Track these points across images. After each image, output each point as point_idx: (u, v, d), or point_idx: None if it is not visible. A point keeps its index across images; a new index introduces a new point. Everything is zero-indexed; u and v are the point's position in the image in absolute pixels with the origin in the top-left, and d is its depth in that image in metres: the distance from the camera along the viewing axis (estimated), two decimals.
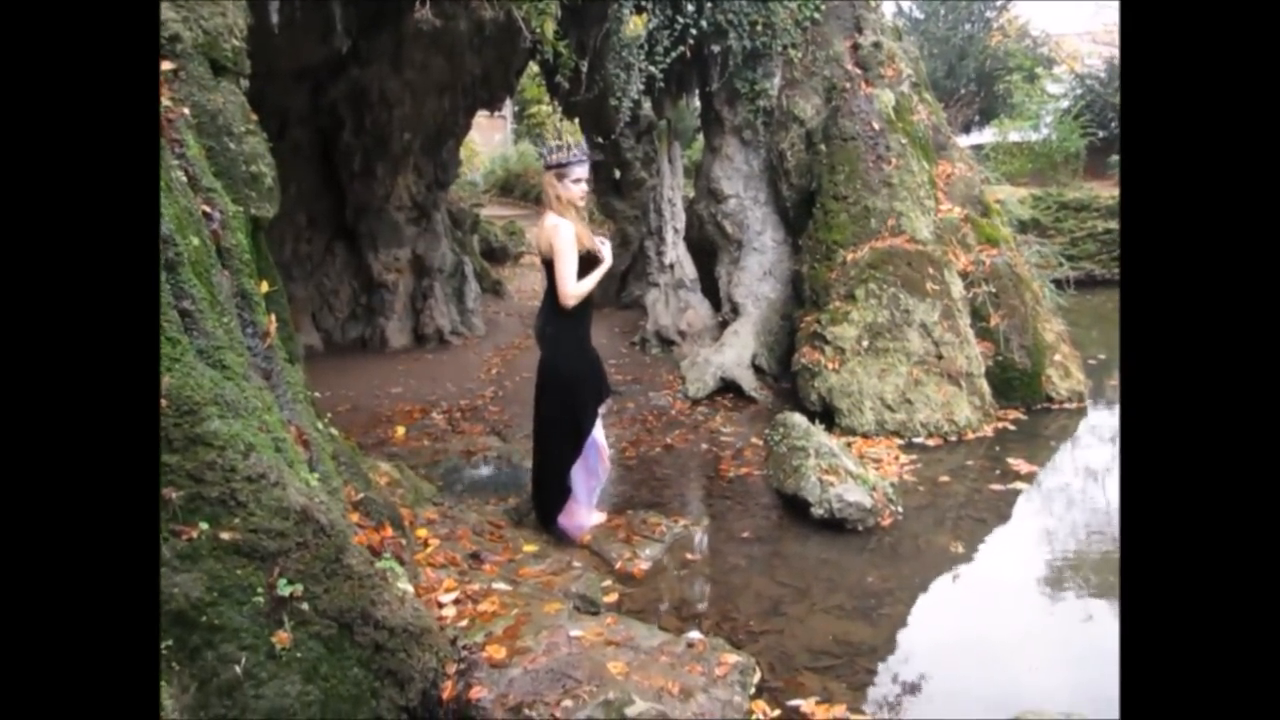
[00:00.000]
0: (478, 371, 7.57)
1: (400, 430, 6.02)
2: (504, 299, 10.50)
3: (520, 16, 5.60)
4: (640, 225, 8.63)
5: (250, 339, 2.96)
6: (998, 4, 22.47)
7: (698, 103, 8.31)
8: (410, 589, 2.84)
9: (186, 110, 3.05)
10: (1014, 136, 16.89)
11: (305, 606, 2.37)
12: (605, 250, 3.83)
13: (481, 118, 9.71)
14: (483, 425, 6.19)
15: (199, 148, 3.04)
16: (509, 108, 23.93)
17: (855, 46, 7.37)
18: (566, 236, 3.54)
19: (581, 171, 3.67)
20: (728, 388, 6.72)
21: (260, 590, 2.33)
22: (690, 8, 6.87)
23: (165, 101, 2.84)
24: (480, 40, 6.99)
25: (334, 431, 3.58)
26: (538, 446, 4.18)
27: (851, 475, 4.56)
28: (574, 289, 3.58)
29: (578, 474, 4.11)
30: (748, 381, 6.64)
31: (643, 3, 6.79)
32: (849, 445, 5.42)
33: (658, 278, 8.02)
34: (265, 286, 3.15)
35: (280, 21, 4.52)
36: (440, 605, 3.17)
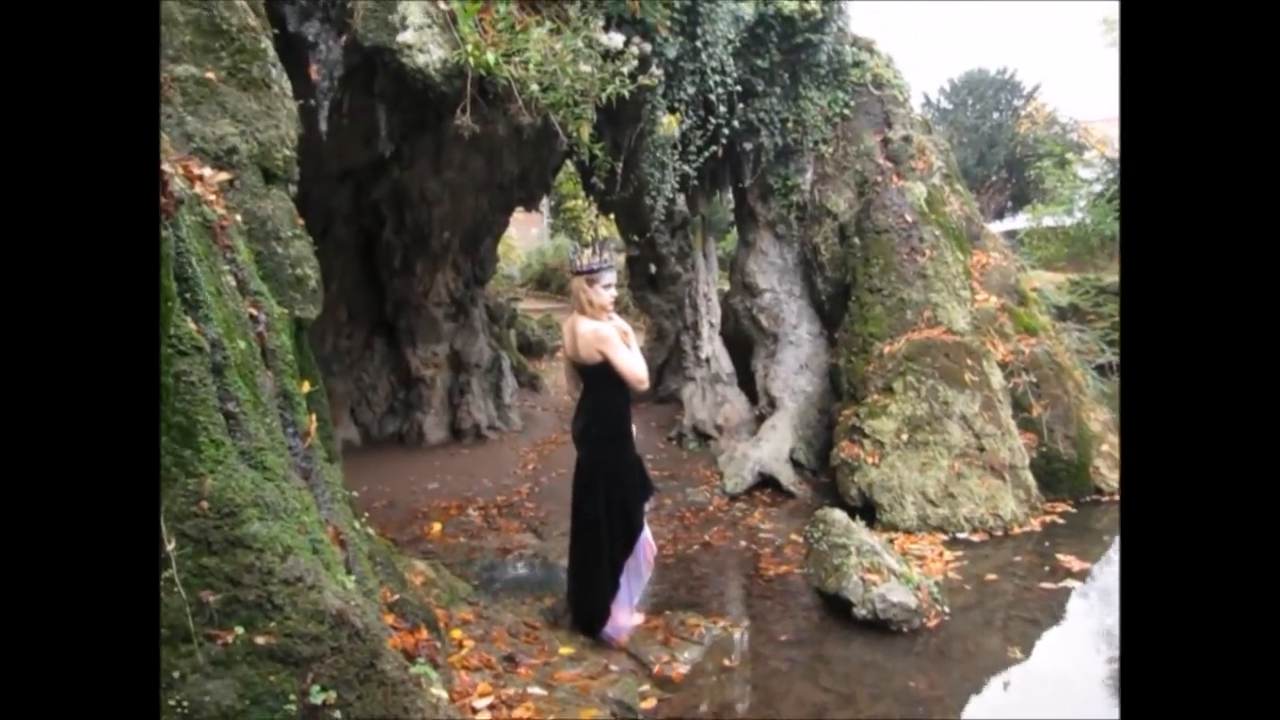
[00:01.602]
0: (514, 467, 7.35)
1: (436, 527, 5.88)
2: (540, 393, 10.20)
3: (557, 121, 5.42)
4: (676, 319, 8.41)
5: (291, 439, 2.96)
6: (1025, 93, 22.86)
7: (731, 197, 8.24)
8: (444, 695, 2.76)
9: (239, 217, 3.17)
10: (1048, 221, 16.79)
11: (338, 715, 2.30)
12: (632, 339, 3.77)
13: (519, 213, 9.41)
14: (519, 522, 6.03)
15: (249, 252, 3.13)
16: (545, 202, 23.77)
17: (885, 141, 7.42)
18: (611, 333, 3.53)
19: (610, 277, 3.65)
20: (766, 483, 6.55)
21: (293, 697, 2.26)
22: (722, 108, 6.82)
23: (220, 210, 2.95)
24: (518, 143, 7.00)
25: (370, 531, 3.52)
26: (580, 548, 4.05)
27: (895, 574, 4.37)
28: (644, 371, 3.60)
29: (626, 573, 3.99)
30: (786, 476, 6.48)
31: (676, 104, 6.73)
32: (891, 541, 5.22)
33: (694, 372, 7.79)
34: (306, 386, 3.18)
35: (328, 129, 4.70)
36: (474, 711, 3.08)
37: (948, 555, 5.16)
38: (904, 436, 5.75)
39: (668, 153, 6.66)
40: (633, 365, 3.55)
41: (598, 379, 3.65)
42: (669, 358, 8.85)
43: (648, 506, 3.97)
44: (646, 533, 4.03)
